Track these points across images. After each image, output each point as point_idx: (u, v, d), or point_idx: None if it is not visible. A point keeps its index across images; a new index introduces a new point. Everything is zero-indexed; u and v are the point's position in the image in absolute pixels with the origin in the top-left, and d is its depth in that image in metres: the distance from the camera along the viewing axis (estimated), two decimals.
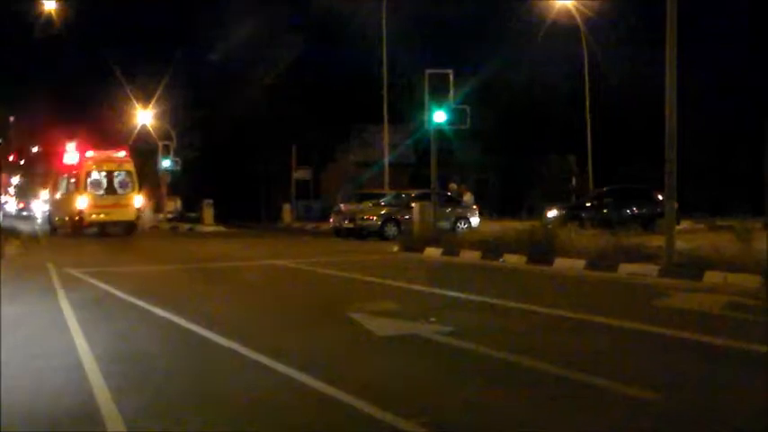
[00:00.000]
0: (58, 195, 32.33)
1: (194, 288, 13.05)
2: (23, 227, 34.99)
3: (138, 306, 10.59)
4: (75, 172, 29.68)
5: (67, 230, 29.64)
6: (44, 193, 53.88)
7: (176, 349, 7.85)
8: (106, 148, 31.21)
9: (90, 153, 30.08)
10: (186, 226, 37.07)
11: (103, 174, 29.20)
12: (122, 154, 30.35)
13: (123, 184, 29.34)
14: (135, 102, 45.45)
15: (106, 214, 28.79)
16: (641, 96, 38.70)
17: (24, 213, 69.51)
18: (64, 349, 7.64)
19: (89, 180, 28.91)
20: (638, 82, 39.40)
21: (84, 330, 8.57)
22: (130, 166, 29.85)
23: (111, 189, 29.17)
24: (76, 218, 28.89)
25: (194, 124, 48.09)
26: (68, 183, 30.54)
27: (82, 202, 28.74)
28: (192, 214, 42.23)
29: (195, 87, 49.52)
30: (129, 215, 29.24)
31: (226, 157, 51.32)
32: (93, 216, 28.72)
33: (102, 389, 6.09)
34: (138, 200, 29.90)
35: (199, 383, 6.37)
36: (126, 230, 29.20)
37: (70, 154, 31.31)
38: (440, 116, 19.90)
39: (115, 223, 29.08)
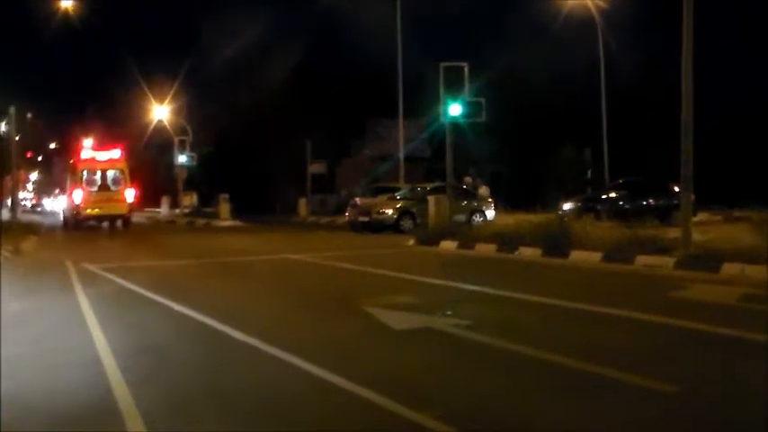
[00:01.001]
0: (66, 192, 34.60)
1: (210, 283, 13.08)
2: (40, 222, 35.25)
3: (154, 301, 10.63)
4: (73, 170, 32.59)
5: (69, 224, 32.00)
6: (58, 190, 54.40)
7: (193, 344, 7.86)
8: (104, 148, 33.89)
9: (85, 153, 33.04)
10: (203, 221, 37.19)
11: (97, 172, 31.69)
12: (116, 153, 32.50)
13: (116, 181, 31.75)
14: (151, 98, 45.63)
15: (100, 208, 31.25)
16: (658, 87, 38.49)
17: (38, 209, 71.17)
18: (82, 344, 7.68)
19: (84, 177, 31.47)
20: (654, 72, 39.19)
21: (102, 325, 8.61)
22: (123, 165, 32.14)
23: (104, 186, 31.58)
24: (74, 212, 31.42)
25: (210, 120, 48.22)
26: (70, 180, 33.03)
27: (77, 198, 31.32)
28: (209, 209, 42.35)
29: (210, 83, 49.69)
30: (121, 209, 31.49)
31: (241, 152, 51.51)
32: (89, 210, 31.21)
33: (120, 383, 6.11)
34: (130, 195, 32.01)
35: (216, 378, 6.38)
36: (121, 223, 31.32)
37: (83, 151, 33.76)
38: (455, 109, 19.88)
39: (109, 216, 31.40)
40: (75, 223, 31.15)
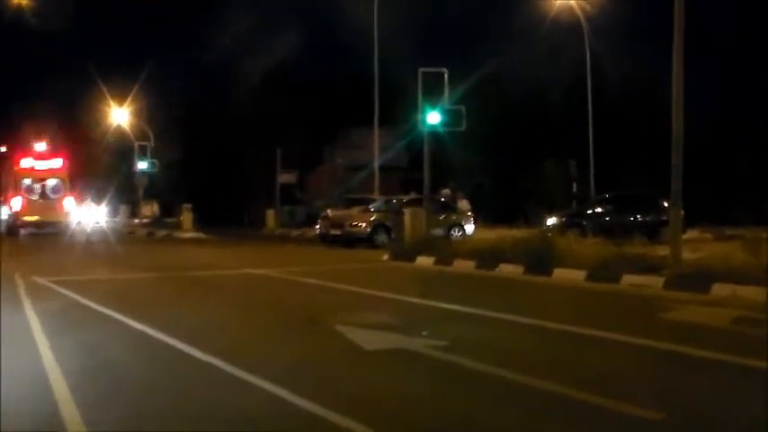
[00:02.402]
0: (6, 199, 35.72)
1: (170, 298, 12.96)
2: None
3: (110, 317, 10.50)
4: (13, 177, 34.13)
5: (12, 231, 33.09)
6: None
7: (150, 363, 7.77)
8: (46, 156, 35.27)
9: (25, 161, 34.30)
10: (163, 232, 36.93)
11: (36, 179, 33.38)
12: (57, 162, 34.18)
13: (56, 189, 33.45)
14: (110, 99, 45.29)
15: (39, 216, 32.86)
16: (646, 98, 38.84)
17: None
18: (29, 364, 7.55)
19: (24, 185, 33.22)
20: (643, 82, 39.53)
21: (52, 343, 8.47)
22: (64, 173, 33.86)
23: (43, 194, 33.34)
24: (13, 219, 33.06)
25: (174, 124, 47.97)
26: (10, 187, 34.35)
27: (16, 205, 32.99)
28: (170, 219, 42.07)
29: (176, 85, 49.48)
30: (60, 217, 33.11)
31: (206, 159, 51.26)
32: (27, 217, 32.89)
33: (69, 402, 6.01)
34: (70, 204, 33.75)
35: (173, 400, 6.29)
36: (59, 231, 32.33)
37: (23, 159, 34.85)
38: (434, 117, 19.93)
39: (48, 224, 32.79)
40: (13, 231, 32.42)
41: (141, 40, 54.71)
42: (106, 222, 42.92)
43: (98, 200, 46.04)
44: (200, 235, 35.09)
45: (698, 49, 25.07)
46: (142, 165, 42.52)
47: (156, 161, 42.76)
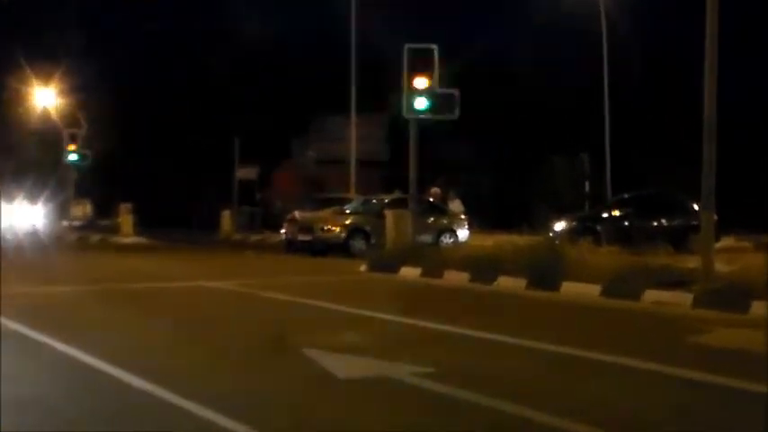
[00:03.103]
0: None
1: (105, 316, 12.90)
2: None
3: (32, 339, 10.43)
4: None
5: None
6: None
7: (80, 394, 7.72)
8: None
9: None
10: (98, 236, 36.73)
11: None
12: None
13: None
14: (34, 78, 44.96)
15: None
16: (673, 82, 38.99)
17: None
18: None
19: None
20: (669, 64, 39.67)
21: None
22: None
23: None
24: None
25: (111, 108, 47.67)
26: None
27: None
28: (106, 222, 41.80)
29: (114, 63, 49.22)
30: None
31: (150, 150, 51.03)
32: None
33: None
34: None
35: None
36: None
37: None
38: (421, 103, 19.92)
39: None
40: None
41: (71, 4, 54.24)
42: (44, 225, 42.57)
43: (32, 198, 45.57)
44: (143, 240, 34.95)
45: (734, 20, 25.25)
46: (72, 156, 42.17)
47: (88, 152, 42.43)
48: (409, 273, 18.81)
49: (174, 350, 10.01)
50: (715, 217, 14.91)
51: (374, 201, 27.61)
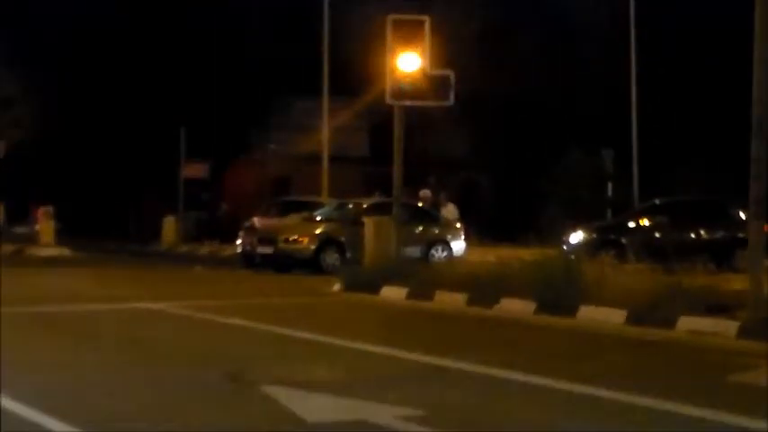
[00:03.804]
0: None
1: (21, 346, 12.81)
2: None
3: None
4: None
5: None
6: None
7: None
8: None
9: None
10: (11, 247, 36.55)
11: None
12: None
13: None
14: None
15: None
16: (715, 67, 39.08)
17: None
18: None
19: None
20: (710, 45, 39.74)
21: None
22: None
23: None
24: None
25: (26, 88, 47.49)
26: None
27: None
28: (22, 229, 41.65)
29: (32, 35, 49.06)
30: None
31: (76, 142, 50.82)
32: None
33: None
34: None
35: None
36: None
37: None
38: (408, 86, 19.92)
39: None
40: None
41: None
42: None
43: None
44: (66, 251, 34.81)
45: None
46: None
47: (0, 143, 42.24)
48: (393, 293, 18.79)
49: (108, 387, 9.95)
50: (766, 228, 14.95)
51: (350, 205, 27.56)
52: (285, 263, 25.42)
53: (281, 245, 25.76)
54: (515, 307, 16.38)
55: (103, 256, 32.70)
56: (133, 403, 9.23)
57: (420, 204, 27.58)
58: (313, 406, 8.55)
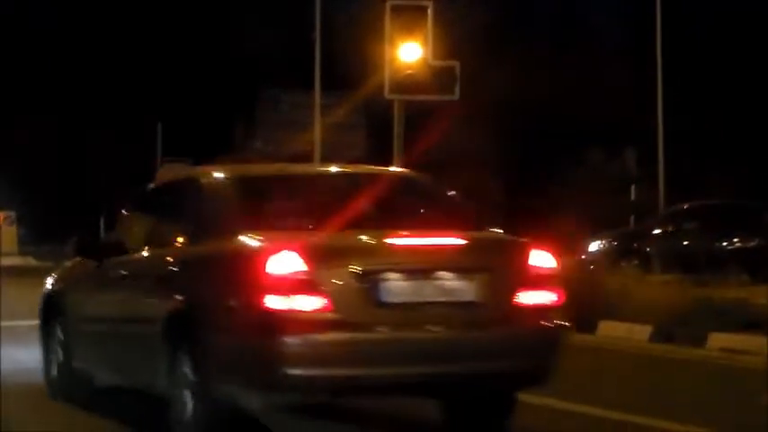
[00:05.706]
0: None
1: None
2: None
3: None
4: None
5: None
6: None
7: None
8: None
9: None
10: None
11: None
12: None
13: None
14: None
15: None
16: (753, 54, 39.11)
17: None
18: None
19: None
20: (747, 27, 39.77)
21: None
22: None
23: None
24: None
25: None
26: None
27: None
28: None
29: None
30: None
31: (40, 138, 50.80)
32: None
33: None
34: None
35: None
36: None
37: None
38: (409, 79, 19.97)
39: None
40: None
41: None
42: None
43: None
44: (30, 261, 34.77)
45: None
46: None
47: None
48: None
49: None
50: None
51: None
52: None
53: None
54: None
55: None
56: None
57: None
58: None
